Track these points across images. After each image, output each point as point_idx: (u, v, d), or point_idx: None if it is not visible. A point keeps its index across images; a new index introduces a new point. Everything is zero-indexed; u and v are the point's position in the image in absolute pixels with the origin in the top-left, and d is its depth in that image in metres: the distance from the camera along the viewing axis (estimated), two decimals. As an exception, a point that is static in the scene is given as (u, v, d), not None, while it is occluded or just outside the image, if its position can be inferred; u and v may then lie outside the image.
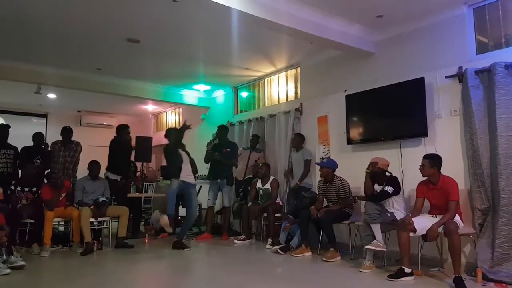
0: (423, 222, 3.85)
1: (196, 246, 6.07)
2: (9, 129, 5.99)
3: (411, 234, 3.85)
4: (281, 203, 6.16)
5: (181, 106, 9.95)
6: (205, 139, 8.67)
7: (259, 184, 6.13)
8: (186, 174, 5.69)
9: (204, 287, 3.88)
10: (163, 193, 7.61)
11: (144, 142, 7.92)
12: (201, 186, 7.22)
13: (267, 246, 5.49)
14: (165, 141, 10.28)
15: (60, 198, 5.34)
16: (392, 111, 5.03)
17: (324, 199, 5.26)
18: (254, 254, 5.46)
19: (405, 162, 4.84)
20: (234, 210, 6.55)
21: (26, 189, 5.36)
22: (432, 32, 4.77)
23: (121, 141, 6.34)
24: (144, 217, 7.72)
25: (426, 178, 4.03)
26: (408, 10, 4.62)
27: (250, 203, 6.09)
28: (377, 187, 4.56)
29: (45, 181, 5.66)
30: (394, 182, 4.45)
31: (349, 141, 5.54)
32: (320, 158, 5.89)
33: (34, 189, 5.44)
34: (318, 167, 5.36)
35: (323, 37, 4.87)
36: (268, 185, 6.03)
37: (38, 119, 10.53)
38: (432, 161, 3.93)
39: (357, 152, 5.49)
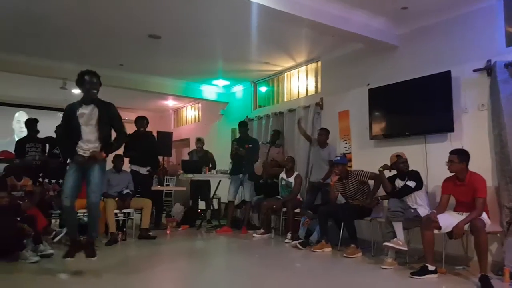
0: (449, 219, 3.76)
1: (216, 238, 6.15)
2: (37, 124, 6.21)
3: (435, 231, 3.77)
4: (301, 199, 6.14)
5: (201, 101, 10.02)
6: (224, 134, 8.77)
7: (282, 175, 6.15)
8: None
9: (225, 278, 3.91)
10: (184, 186, 7.69)
11: (165, 137, 8.00)
12: (220, 181, 7.26)
13: (286, 240, 5.49)
14: (185, 136, 10.56)
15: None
16: (417, 106, 4.91)
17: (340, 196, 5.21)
18: (273, 248, 5.47)
19: (430, 158, 4.75)
20: (253, 204, 6.56)
21: (53, 181, 5.49)
22: (459, 24, 4.63)
23: (136, 133, 6.42)
24: (166, 209, 7.83)
25: (452, 174, 3.92)
26: (434, 1, 4.48)
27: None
28: (399, 183, 4.49)
29: None
30: (416, 176, 4.37)
31: (372, 137, 5.45)
32: (341, 154, 5.80)
33: (61, 180, 5.56)
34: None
35: (345, 30, 4.79)
36: (291, 179, 6.02)
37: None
38: (461, 157, 3.83)
39: (379, 148, 5.40)
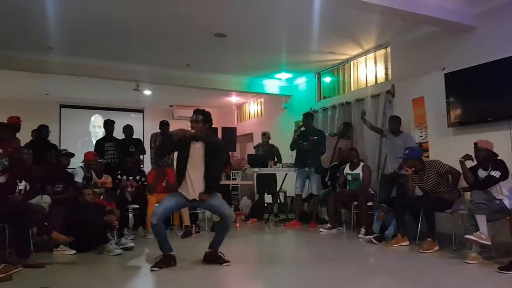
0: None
1: (285, 232, 6.17)
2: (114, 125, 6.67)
3: (526, 223, 3.49)
4: (372, 192, 5.94)
5: (263, 95, 10.08)
6: (288, 128, 8.74)
7: (347, 170, 5.96)
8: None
9: (295, 272, 3.89)
10: (250, 180, 7.80)
11: (229, 133, 8.17)
12: (286, 174, 7.27)
13: (360, 235, 5.34)
14: (248, 130, 10.71)
15: (163, 184, 5.72)
16: (499, 89, 4.58)
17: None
18: (345, 242, 5.37)
19: (516, 145, 4.39)
20: (321, 198, 6.48)
21: (131, 178, 5.83)
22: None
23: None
24: (233, 203, 8.01)
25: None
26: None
27: (338, 189, 5.94)
28: (482, 173, 4.19)
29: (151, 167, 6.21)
30: (500, 165, 4.06)
31: (450, 124, 5.16)
32: (416, 143, 5.55)
33: (138, 177, 5.90)
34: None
35: (417, 13, 4.58)
36: (358, 170, 5.81)
37: (136, 114, 11.44)
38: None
39: (459, 136, 5.09)
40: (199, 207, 4.12)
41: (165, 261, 3.74)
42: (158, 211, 3.72)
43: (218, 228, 4.01)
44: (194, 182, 3.78)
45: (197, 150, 3.79)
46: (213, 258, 3.89)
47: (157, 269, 3.66)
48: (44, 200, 4.32)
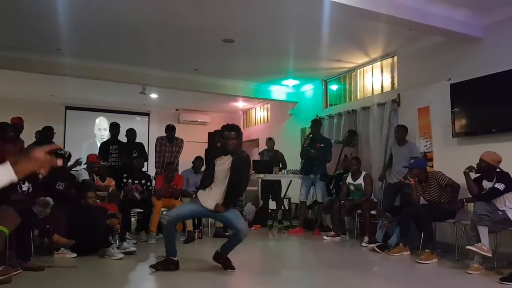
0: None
1: (289, 239, 6.16)
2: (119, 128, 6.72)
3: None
4: (375, 200, 5.93)
5: (269, 101, 10.10)
6: (293, 134, 8.75)
7: (349, 180, 5.95)
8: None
9: (299, 279, 3.89)
10: (254, 186, 7.80)
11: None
12: (290, 181, 7.26)
13: (363, 244, 5.32)
14: (255, 136, 10.73)
15: (170, 190, 5.74)
16: (505, 100, 4.59)
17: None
18: (348, 251, 5.36)
19: (520, 156, 4.36)
20: (325, 205, 6.47)
21: (136, 181, 5.85)
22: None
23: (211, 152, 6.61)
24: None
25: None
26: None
27: (342, 202, 5.92)
28: (487, 184, 4.16)
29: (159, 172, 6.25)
30: (505, 178, 4.03)
31: (455, 134, 5.14)
32: (421, 153, 5.54)
33: (143, 181, 5.91)
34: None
35: (425, 23, 4.59)
36: (360, 180, 5.81)
37: (142, 117, 11.46)
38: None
39: (464, 146, 5.08)
40: (213, 218, 4.12)
41: (165, 264, 3.76)
42: (172, 214, 3.78)
43: (232, 237, 3.98)
44: (214, 194, 3.78)
45: (224, 163, 3.80)
46: (220, 260, 3.89)
47: (153, 270, 3.70)
48: (47, 201, 4.35)
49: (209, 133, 7.02)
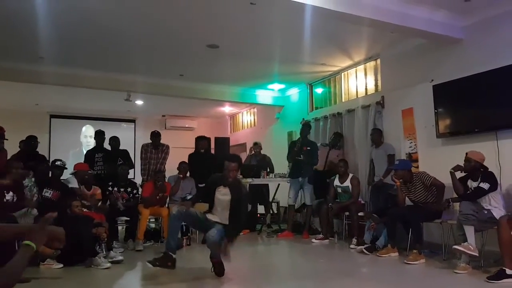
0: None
1: (278, 243, 6.15)
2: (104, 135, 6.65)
3: (513, 232, 3.53)
4: (362, 202, 5.98)
5: (256, 106, 10.13)
6: (280, 138, 8.77)
7: (336, 182, 5.99)
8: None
9: (288, 283, 3.89)
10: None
11: (222, 143, 8.18)
12: (278, 184, 7.27)
13: (352, 246, 5.34)
14: (242, 140, 10.72)
15: (157, 197, 5.69)
16: (486, 100, 4.66)
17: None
18: (337, 253, 5.37)
19: (502, 155, 4.46)
20: (314, 208, 6.48)
21: (122, 190, 5.79)
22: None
23: (195, 155, 6.60)
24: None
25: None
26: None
27: (330, 205, 5.95)
28: (472, 184, 4.23)
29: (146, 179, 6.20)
30: (490, 177, 4.10)
31: (439, 135, 5.21)
32: (406, 154, 5.60)
33: (129, 189, 5.85)
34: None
35: (406, 26, 4.65)
36: (347, 183, 5.85)
37: (127, 124, 11.38)
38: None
39: (448, 146, 5.15)
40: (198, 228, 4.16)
41: (162, 260, 3.71)
42: (182, 210, 3.84)
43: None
44: (220, 215, 3.90)
45: (224, 195, 3.89)
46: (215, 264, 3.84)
47: (150, 265, 3.66)
48: (30, 212, 4.27)
49: (196, 138, 6.95)
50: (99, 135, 6.66)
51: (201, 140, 6.84)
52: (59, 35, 5.32)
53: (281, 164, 7.32)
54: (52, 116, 10.53)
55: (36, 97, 8.87)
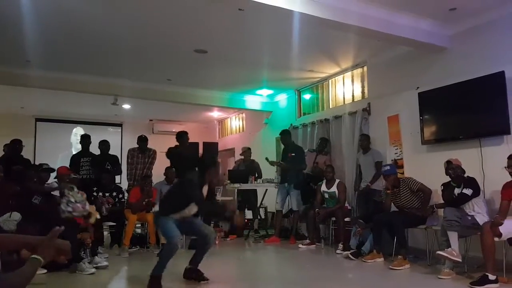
0: (510, 226, 3.58)
1: (265, 249, 6.15)
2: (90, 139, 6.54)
3: (496, 238, 3.60)
4: (349, 207, 6.02)
5: (245, 111, 10.14)
6: (269, 143, 8.80)
7: (323, 188, 6.03)
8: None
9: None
10: (230, 196, 7.77)
11: (211, 147, 8.16)
12: (266, 190, 7.28)
13: (338, 251, 5.37)
14: (230, 145, 10.72)
15: (144, 203, 5.65)
16: (471, 108, 4.73)
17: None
18: (323, 258, 5.39)
19: (486, 162, 4.52)
20: (301, 213, 6.51)
21: (107, 194, 5.73)
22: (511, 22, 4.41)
23: (177, 152, 6.46)
24: (213, 219, 7.92)
25: (512, 179, 3.72)
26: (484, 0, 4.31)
27: (316, 210, 5.97)
28: (456, 190, 4.30)
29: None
30: (472, 183, 4.18)
31: (424, 141, 5.28)
32: (392, 160, 5.67)
33: (114, 193, 5.79)
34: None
35: (392, 34, 4.70)
36: (334, 188, 5.91)
37: (114, 128, 11.27)
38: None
39: (433, 153, 5.20)
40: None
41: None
42: (176, 235, 3.64)
43: (200, 245, 3.96)
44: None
45: None
46: (192, 274, 3.85)
47: None
48: (13, 217, 4.19)
49: (177, 133, 6.81)
50: (84, 139, 6.56)
51: (184, 135, 6.70)
52: (46, 39, 5.27)
53: (269, 170, 7.34)
54: (37, 120, 10.39)
55: (21, 100, 8.75)
